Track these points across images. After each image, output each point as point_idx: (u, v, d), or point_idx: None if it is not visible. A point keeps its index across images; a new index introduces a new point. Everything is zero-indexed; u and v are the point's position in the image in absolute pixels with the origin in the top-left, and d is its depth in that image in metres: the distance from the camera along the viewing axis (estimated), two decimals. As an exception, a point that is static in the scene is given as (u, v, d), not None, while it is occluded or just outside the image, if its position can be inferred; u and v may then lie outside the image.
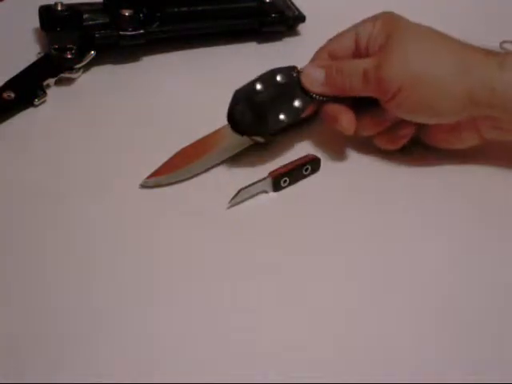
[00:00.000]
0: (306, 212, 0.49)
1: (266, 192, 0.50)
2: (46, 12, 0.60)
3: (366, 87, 0.48)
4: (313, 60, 0.52)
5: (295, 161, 0.51)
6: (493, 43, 0.65)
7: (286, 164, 0.51)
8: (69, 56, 0.58)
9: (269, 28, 0.66)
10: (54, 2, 0.60)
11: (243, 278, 0.44)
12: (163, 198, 0.49)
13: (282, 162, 0.51)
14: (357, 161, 0.53)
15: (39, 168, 0.51)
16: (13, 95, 0.55)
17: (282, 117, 0.49)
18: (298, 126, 0.53)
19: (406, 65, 0.47)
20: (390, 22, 0.49)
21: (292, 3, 0.68)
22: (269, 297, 0.43)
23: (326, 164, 0.52)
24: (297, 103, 0.50)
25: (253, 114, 0.49)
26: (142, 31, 0.60)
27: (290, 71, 0.51)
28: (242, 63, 0.63)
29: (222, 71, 0.62)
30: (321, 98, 0.50)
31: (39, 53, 0.60)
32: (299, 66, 0.51)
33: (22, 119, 0.55)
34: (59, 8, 0.59)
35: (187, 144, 0.51)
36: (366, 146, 0.53)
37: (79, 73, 0.59)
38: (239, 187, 0.48)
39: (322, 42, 0.53)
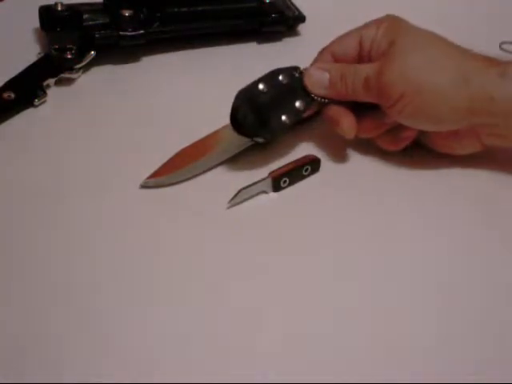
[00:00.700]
0: (306, 212, 0.49)
1: (266, 192, 0.50)
2: (46, 12, 0.60)
3: (367, 93, 0.48)
4: (316, 60, 0.52)
5: (295, 161, 0.51)
6: (493, 43, 0.65)
7: (285, 164, 0.51)
8: (69, 56, 0.58)
9: (269, 28, 0.66)
10: (54, 2, 0.60)
11: (243, 277, 0.44)
12: (163, 199, 0.49)
13: (282, 162, 0.51)
14: (357, 161, 0.53)
15: (39, 168, 0.51)
16: (13, 95, 0.55)
17: (284, 118, 0.49)
18: (299, 125, 0.53)
19: (407, 72, 0.47)
20: (393, 28, 0.49)
21: (292, 3, 0.68)
22: (269, 297, 0.43)
23: (326, 164, 0.52)
24: (298, 104, 0.50)
25: (255, 116, 0.49)
26: (142, 31, 0.60)
27: (292, 71, 0.51)
28: (242, 63, 0.63)
29: (222, 71, 0.62)
30: (323, 99, 0.50)
31: (39, 53, 0.60)
32: (301, 67, 0.51)
33: (22, 119, 0.55)
34: (59, 8, 0.59)
35: (187, 144, 0.51)
36: (366, 147, 0.53)
37: (79, 73, 0.59)
38: (239, 187, 0.48)
39: (321, 42, 0.53)
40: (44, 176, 0.50)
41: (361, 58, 0.51)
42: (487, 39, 0.66)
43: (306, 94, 0.50)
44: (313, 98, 0.50)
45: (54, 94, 0.57)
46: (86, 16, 0.60)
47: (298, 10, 0.67)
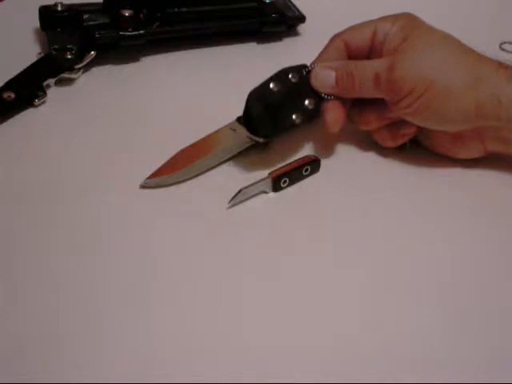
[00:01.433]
0: (306, 212, 0.49)
1: (266, 192, 0.50)
2: (46, 12, 0.60)
3: (376, 89, 0.48)
4: (326, 47, 0.52)
5: (295, 161, 0.51)
6: (493, 43, 0.65)
7: (285, 164, 0.51)
8: (69, 56, 0.58)
9: (269, 28, 0.66)
10: (54, 2, 0.60)
11: (243, 277, 0.44)
12: (163, 199, 0.49)
13: (282, 162, 0.51)
14: (357, 162, 0.53)
15: (39, 168, 0.51)
16: (13, 95, 0.55)
17: (294, 117, 0.49)
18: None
19: (419, 68, 0.47)
20: (409, 25, 0.49)
21: (292, 3, 0.68)
22: (268, 296, 0.43)
23: (326, 165, 0.52)
24: (308, 103, 0.50)
25: (269, 116, 0.49)
26: (142, 31, 0.60)
27: (300, 70, 0.51)
28: (242, 63, 0.63)
29: (222, 71, 0.62)
30: (331, 97, 0.50)
31: (39, 53, 0.60)
32: (309, 64, 0.51)
33: (22, 119, 0.55)
34: (59, 8, 0.59)
35: (187, 144, 0.51)
36: (366, 147, 0.53)
37: (79, 73, 0.59)
38: (239, 187, 0.48)
39: (321, 42, 0.53)
40: (44, 176, 0.50)
41: (372, 49, 0.51)
42: (487, 39, 0.66)
43: (314, 93, 0.50)
44: (321, 97, 0.50)
45: (54, 94, 0.57)
46: (86, 16, 0.60)
47: (297, 10, 0.67)
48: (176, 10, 0.62)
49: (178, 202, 0.49)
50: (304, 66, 0.51)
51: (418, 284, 0.44)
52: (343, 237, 0.47)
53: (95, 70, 0.61)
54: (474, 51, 0.49)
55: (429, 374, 0.39)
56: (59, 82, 0.58)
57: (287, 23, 0.66)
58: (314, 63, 0.51)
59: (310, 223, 0.48)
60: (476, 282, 0.45)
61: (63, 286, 0.43)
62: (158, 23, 0.61)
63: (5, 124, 0.54)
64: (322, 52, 0.52)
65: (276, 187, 0.50)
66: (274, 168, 0.50)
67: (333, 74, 0.50)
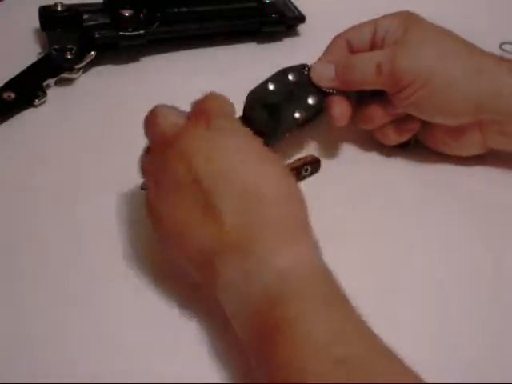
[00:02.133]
0: (306, 212, 0.49)
1: (266, 192, 0.50)
2: (46, 12, 0.60)
3: (378, 79, 0.48)
4: (328, 47, 0.52)
5: (295, 161, 0.51)
6: (493, 43, 0.65)
7: (286, 164, 0.51)
8: (69, 56, 0.58)
9: (269, 28, 0.66)
10: (54, 2, 0.60)
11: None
12: (163, 199, 0.49)
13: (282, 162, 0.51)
14: (357, 161, 0.53)
15: (39, 168, 0.51)
16: (13, 95, 0.55)
17: (297, 115, 0.49)
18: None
19: (421, 58, 0.47)
20: (409, 19, 0.49)
21: (292, 3, 0.68)
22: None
23: (326, 164, 0.52)
24: (311, 100, 0.50)
25: (268, 116, 0.49)
26: (142, 31, 0.60)
27: (301, 69, 0.51)
28: (242, 63, 0.63)
29: (222, 71, 0.62)
30: (333, 91, 0.50)
31: (39, 53, 0.60)
32: (310, 64, 0.51)
33: (22, 119, 0.55)
34: (59, 8, 0.59)
35: (187, 144, 0.51)
36: (367, 147, 0.53)
37: (79, 73, 0.59)
38: (239, 187, 0.48)
39: (321, 42, 0.53)
40: (44, 176, 0.50)
41: (373, 46, 0.50)
42: (487, 39, 0.66)
43: (317, 90, 0.50)
44: (324, 92, 0.50)
45: (54, 93, 0.57)
46: (86, 16, 0.60)
47: (297, 10, 0.67)
48: (176, 10, 0.62)
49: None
50: (304, 66, 0.51)
51: (416, 284, 0.44)
52: (343, 236, 0.47)
53: (95, 70, 0.61)
54: (473, 44, 0.49)
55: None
56: (59, 82, 0.58)
57: (287, 23, 0.66)
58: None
59: (310, 223, 0.48)
60: (473, 282, 0.45)
61: (63, 286, 0.43)
62: (158, 23, 0.61)
63: (5, 124, 0.54)
64: (324, 53, 0.52)
65: (276, 187, 0.50)
66: (274, 168, 0.50)
67: (332, 66, 0.50)
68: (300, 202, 0.38)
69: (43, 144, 0.53)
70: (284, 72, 0.50)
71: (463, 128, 0.49)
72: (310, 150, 0.54)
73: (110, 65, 0.61)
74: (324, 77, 0.50)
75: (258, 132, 0.50)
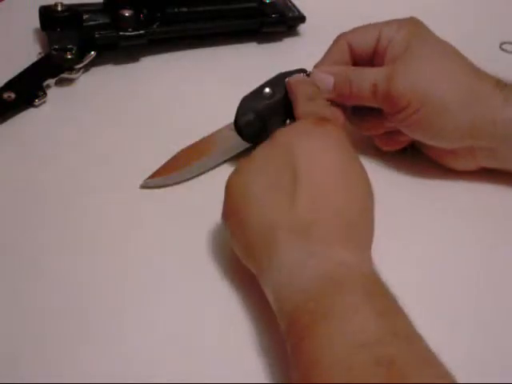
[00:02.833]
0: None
1: (266, 192, 0.50)
2: (46, 12, 0.60)
3: (373, 98, 0.48)
4: (330, 48, 0.52)
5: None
6: (493, 43, 0.65)
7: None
8: (69, 56, 0.58)
9: (269, 28, 0.66)
10: (54, 2, 0.60)
11: (243, 277, 0.44)
12: (163, 199, 0.49)
13: (282, 162, 0.51)
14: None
15: (39, 168, 0.51)
16: (13, 96, 0.55)
17: (288, 122, 0.49)
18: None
19: (417, 83, 0.47)
20: (412, 34, 0.49)
21: (292, 4, 0.68)
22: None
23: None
24: None
25: (260, 122, 0.49)
26: (142, 31, 0.60)
27: (299, 74, 0.50)
28: (242, 63, 0.63)
29: (222, 71, 0.62)
30: (329, 102, 0.50)
31: (39, 53, 0.60)
32: (307, 69, 0.51)
33: (22, 119, 0.55)
34: (59, 8, 0.59)
35: (187, 144, 0.51)
36: (367, 151, 0.53)
37: (79, 73, 0.59)
38: (239, 187, 0.48)
39: (321, 42, 0.52)
40: (44, 176, 0.50)
41: (375, 53, 0.50)
42: (487, 39, 0.66)
43: None
44: None
45: (54, 94, 0.57)
46: (86, 16, 0.60)
47: (298, 10, 0.67)
48: (176, 10, 0.62)
49: (178, 202, 0.49)
50: (302, 71, 0.51)
51: (418, 282, 0.44)
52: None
53: (95, 70, 0.61)
54: (473, 66, 0.48)
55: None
56: (59, 82, 0.58)
57: (287, 23, 0.66)
58: (317, 65, 0.51)
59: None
60: (482, 282, 0.45)
61: (62, 287, 0.43)
62: (158, 23, 0.61)
63: (5, 124, 0.54)
64: (326, 54, 0.52)
65: (276, 187, 0.50)
66: (274, 168, 0.50)
67: (331, 78, 0.50)
68: (372, 220, 0.41)
69: (43, 144, 0.53)
70: (282, 76, 0.50)
71: (457, 150, 0.49)
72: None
73: (110, 65, 0.61)
74: (322, 88, 0.50)
75: (249, 138, 0.50)
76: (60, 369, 0.38)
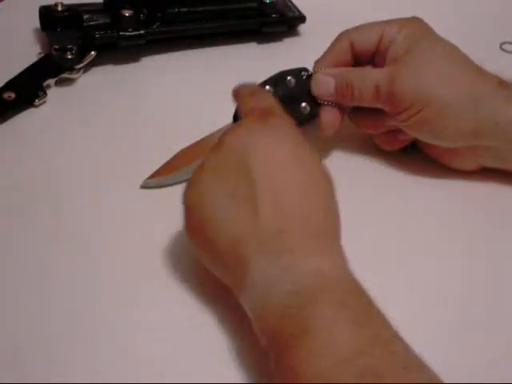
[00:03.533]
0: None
1: (266, 192, 0.50)
2: (46, 12, 0.60)
3: (375, 100, 0.48)
4: (331, 45, 0.51)
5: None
6: (493, 43, 0.65)
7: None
8: (69, 56, 0.58)
9: (269, 28, 0.66)
10: (54, 2, 0.60)
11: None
12: (163, 199, 0.49)
13: (282, 162, 0.51)
14: (357, 162, 0.53)
15: (39, 168, 0.51)
16: (13, 96, 0.55)
17: None
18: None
19: (420, 84, 0.47)
20: (415, 35, 0.49)
21: (292, 4, 0.68)
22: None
23: (326, 164, 0.52)
24: (304, 105, 0.50)
25: None
26: (142, 32, 0.60)
27: (299, 73, 0.50)
28: (242, 63, 0.63)
29: (222, 71, 0.62)
30: (329, 103, 0.50)
31: (39, 53, 0.60)
32: (309, 68, 0.51)
33: (22, 119, 0.55)
34: (59, 8, 0.59)
35: (187, 144, 0.51)
36: (367, 150, 0.53)
37: (79, 73, 0.59)
38: (239, 187, 0.48)
39: (322, 42, 0.52)
40: (44, 176, 0.50)
41: (377, 53, 0.50)
42: (487, 39, 0.66)
43: (312, 97, 0.50)
44: (318, 102, 0.50)
45: (54, 94, 0.57)
46: (86, 16, 0.60)
47: (298, 10, 0.67)
48: (176, 10, 0.62)
49: (178, 202, 0.48)
50: (303, 70, 0.51)
51: (417, 282, 0.44)
52: (342, 237, 0.47)
53: (95, 70, 0.61)
54: (475, 66, 0.48)
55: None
56: (59, 82, 0.58)
57: (287, 23, 0.66)
58: (317, 63, 0.51)
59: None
60: (483, 282, 0.45)
61: (62, 287, 0.43)
62: (158, 23, 0.61)
63: (5, 124, 0.54)
64: (326, 52, 0.52)
65: (276, 187, 0.50)
66: (274, 168, 0.50)
67: (332, 81, 0.49)
68: (337, 213, 0.39)
69: (43, 144, 0.53)
70: (283, 74, 0.50)
71: (458, 150, 0.49)
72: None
73: (110, 65, 0.61)
74: (323, 91, 0.50)
75: None
76: (61, 369, 0.38)
